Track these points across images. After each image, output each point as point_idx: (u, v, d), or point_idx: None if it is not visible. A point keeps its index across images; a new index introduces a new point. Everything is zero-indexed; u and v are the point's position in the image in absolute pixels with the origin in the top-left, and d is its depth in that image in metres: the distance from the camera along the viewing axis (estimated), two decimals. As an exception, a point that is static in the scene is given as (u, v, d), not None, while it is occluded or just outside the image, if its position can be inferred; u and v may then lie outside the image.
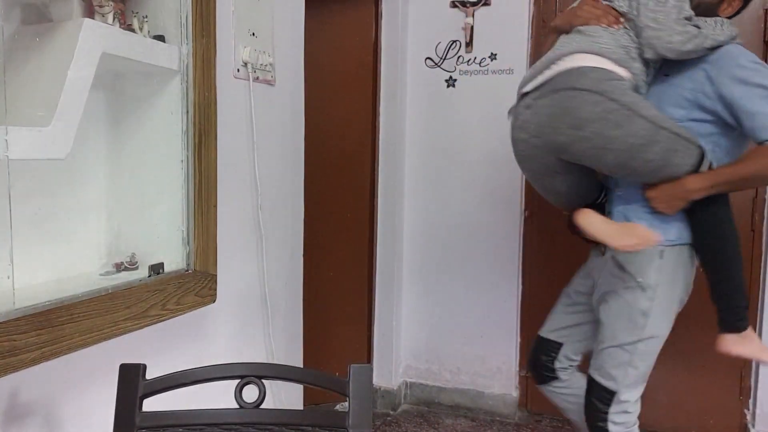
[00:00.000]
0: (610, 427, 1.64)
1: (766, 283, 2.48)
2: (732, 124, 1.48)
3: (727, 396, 2.57)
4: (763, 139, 1.42)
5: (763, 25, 2.42)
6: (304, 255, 2.12)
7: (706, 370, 2.57)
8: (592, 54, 1.49)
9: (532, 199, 2.71)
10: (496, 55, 2.73)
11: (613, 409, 1.64)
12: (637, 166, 1.47)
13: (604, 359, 1.65)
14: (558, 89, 1.48)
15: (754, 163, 1.46)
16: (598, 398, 1.65)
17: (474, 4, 2.73)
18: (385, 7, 2.73)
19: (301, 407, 2.09)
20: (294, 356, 2.09)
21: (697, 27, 1.47)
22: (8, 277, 1.01)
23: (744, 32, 2.45)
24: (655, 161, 1.44)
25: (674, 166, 1.45)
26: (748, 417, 2.55)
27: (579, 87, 1.44)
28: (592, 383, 1.68)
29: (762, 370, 2.49)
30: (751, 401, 2.54)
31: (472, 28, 2.74)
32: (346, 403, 0.93)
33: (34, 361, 1.01)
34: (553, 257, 2.72)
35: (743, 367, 2.54)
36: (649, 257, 1.55)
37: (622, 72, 1.49)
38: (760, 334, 2.50)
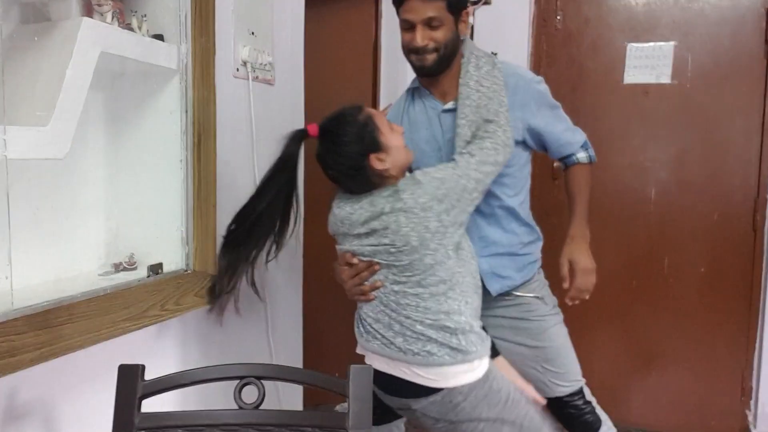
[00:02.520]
0: (597, 411, 1.67)
1: (766, 283, 2.48)
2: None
3: (728, 397, 2.56)
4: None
5: (764, 25, 2.42)
6: (304, 255, 2.11)
7: (708, 370, 2.57)
8: (438, 365, 1.31)
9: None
10: (496, 54, 2.72)
11: (586, 396, 1.66)
12: None
13: (556, 368, 1.63)
14: (437, 418, 1.37)
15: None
16: (575, 406, 1.64)
17: (474, 4, 2.72)
18: (385, 7, 2.72)
19: (300, 408, 2.08)
20: (294, 357, 2.08)
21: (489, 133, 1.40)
22: (7, 278, 1.01)
23: (744, 32, 2.46)
24: None
25: None
26: (750, 418, 2.55)
27: (455, 419, 1.35)
28: (560, 400, 1.64)
29: (764, 370, 2.49)
30: (752, 402, 2.54)
31: (472, 27, 2.74)
32: (346, 404, 0.93)
33: (33, 362, 1.00)
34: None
35: (745, 368, 2.54)
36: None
37: (480, 370, 1.33)
38: (761, 335, 2.49)
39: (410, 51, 1.51)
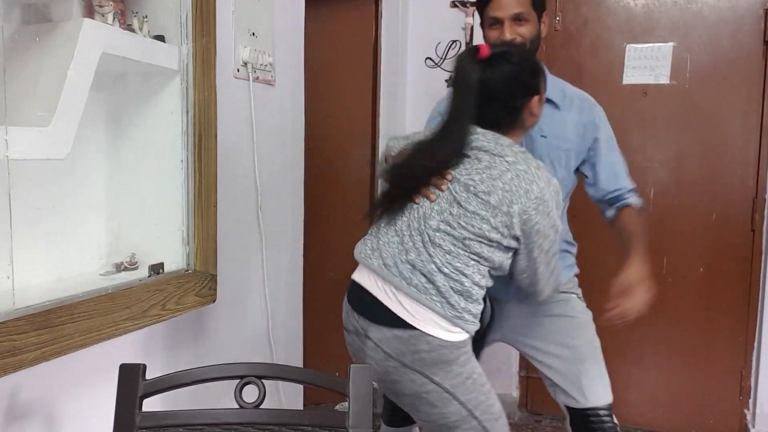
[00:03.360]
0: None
1: (766, 283, 2.48)
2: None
3: (727, 396, 2.57)
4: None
5: (762, 25, 2.42)
6: (304, 255, 2.12)
7: (706, 370, 2.58)
8: (425, 309, 1.26)
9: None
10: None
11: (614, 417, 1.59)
12: None
13: (592, 370, 1.58)
14: (390, 355, 1.30)
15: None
16: (601, 422, 1.56)
17: (474, 4, 2.73)
18: (385, 7, 2.73)
19: (301, 407, 2.09)
20: (294, 356, 2.09)
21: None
22: (8, 277, 1.01)
23: (742, 33, 2.46)
24: None
25: None
26: (748, 417, 2.55)
27: (408, 365, 1.28)
28: (587, 416, 1.57)
29: (762, 370, 2.50)
30: (751, 401, 2.54)
31: (472, 28, 2.74)
32: (346, 403, 0.93)
33: (34, 361, 1.01)
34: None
35: (743, 367, 2.54)
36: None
37: (456, 337, 1.27)
38: (760, 334, 2.50)
39: None
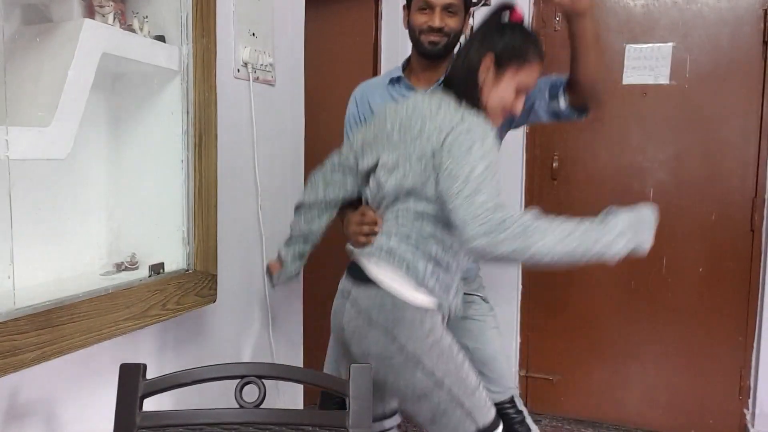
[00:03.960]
0: (527, 421, 1.66)
1: (765, 283, 2.48)
2: None
3: (726, 396, 2.57)
4: None
5: (762, 25, 2.42)
6: (304, 255, 2.12)
7: (706, 370, 2.58)
8: (394, 269, 1.30)
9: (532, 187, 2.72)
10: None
11: (518, 405, 1.68)
12: (410, 409, 1.34)
13: (491, 373, 1.63)
14: (360, 310, 1.33)
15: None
16: (506, 414, 1.62)
17: (474, 4, 2.73)
18: (385, 7, 2.73)
19: (301, 407, 2.09)
20: (294, 356, 2.09)
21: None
22: (9, 277, 1.01)
23: (742, 33, 2.46)
24: (424, 416, 1.31)
25: (443, 427, 1.29)
26: (748, 417, 2.56)
27: (374, 320, 1.30)
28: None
29: (762, 370, 2.50)
30: (750, 401, 2.55)
31: (472, 28, 2.73)
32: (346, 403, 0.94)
33: (35, 361, 1.01)
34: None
35: (743, 367, 2.54)
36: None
37: (418, 298, 1.30)
38: (759, 334, 2.50)
39: (423, 32, 1.60)
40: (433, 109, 1.30)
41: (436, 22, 1.57)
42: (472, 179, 1.16)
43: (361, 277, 1.36)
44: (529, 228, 1.13)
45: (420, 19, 1.60)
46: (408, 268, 1.29)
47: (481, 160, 1.18)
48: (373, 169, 1.40)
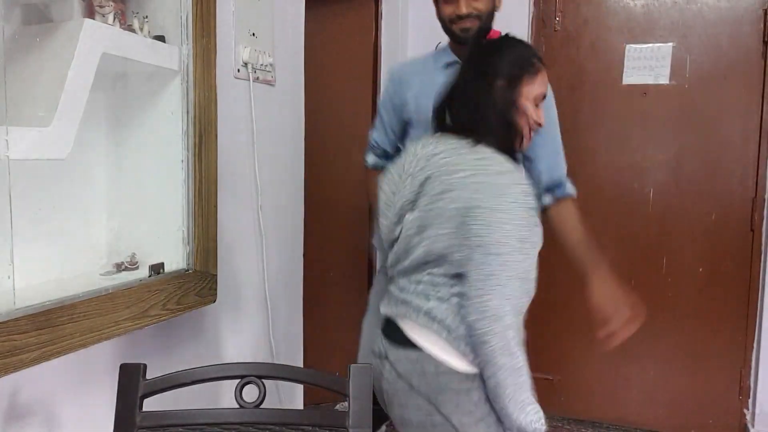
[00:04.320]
0: None
1: (765, 283, 2.48)
2: None
3: (726, 396, 2.57)
4: None
5: (762, 25, 2.42)
6: (304, 255, 2.12)
7: (706, 369, 2.58)
8: (435, 336, 1.21)
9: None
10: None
11: None
12: None
13: None
14: (400, 374, 1.25)
15: None
16: None
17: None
18: (385, 8, 2.73)
19: (301, 407, 2.09)
20: (294, 356, 2.09)
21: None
22: (9, 277, 1.01)
23: (742, 33, 2.46)
24: None
25: None
26: (748, 417, 2.56)
27: (415, 387, 1.23)
28: None
29: (761, 369, 2.50)
30: (750, 401, 2.55)
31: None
32: (346, 403, 0.94)
33: (35, 361, 1.01)
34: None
35: (743, 367, 2.55)
36: None
37: (463, 366, 1.21)
38: (759, 334, 2.50)
39: (452, 21, 1.59)
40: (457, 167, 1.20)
41: (463, 10, 1.56)
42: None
43: (397, 339, 1.26)
44: (508, 350, 1.19)
45: (447, 10, 1.59)
46: (449, 332, 1.19)
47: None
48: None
